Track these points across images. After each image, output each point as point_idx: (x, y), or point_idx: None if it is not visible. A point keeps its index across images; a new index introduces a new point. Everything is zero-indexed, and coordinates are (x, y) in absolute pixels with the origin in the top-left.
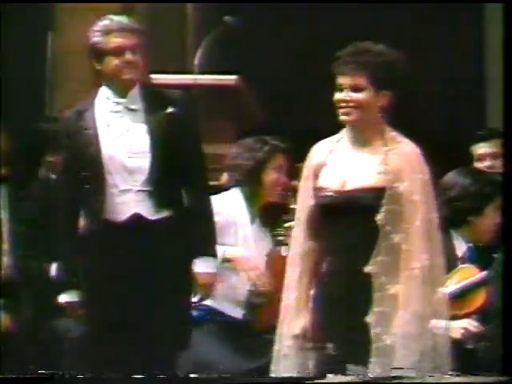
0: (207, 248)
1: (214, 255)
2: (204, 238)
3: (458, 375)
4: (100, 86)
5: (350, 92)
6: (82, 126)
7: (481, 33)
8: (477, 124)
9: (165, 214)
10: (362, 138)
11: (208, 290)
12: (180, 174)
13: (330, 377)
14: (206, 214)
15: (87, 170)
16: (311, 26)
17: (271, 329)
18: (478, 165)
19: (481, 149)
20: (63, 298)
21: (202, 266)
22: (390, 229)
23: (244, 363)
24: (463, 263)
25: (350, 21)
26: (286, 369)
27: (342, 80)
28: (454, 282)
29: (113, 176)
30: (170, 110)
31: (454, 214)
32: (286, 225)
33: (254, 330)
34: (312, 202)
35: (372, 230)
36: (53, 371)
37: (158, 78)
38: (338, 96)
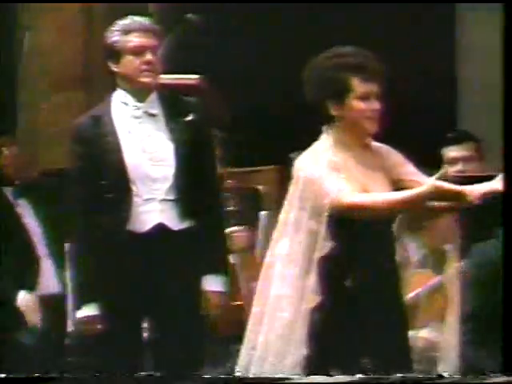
0: (217, 265)
1: (225, 272)
2: (214, 253)
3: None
4: (114, 89)
5: (375, 100)
6: (100, 133)
7: (452, 33)
8: (448, 126)
9: (189, 223)
10: (353, 146)
11: (217, 308)
12: (201, 182)
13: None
14: (217, 228)
15: (109, 179)
16: (278, 25)
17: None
18: (449, 169)
19: (452, 152)
20: (81, 313)
21: (210, 284)
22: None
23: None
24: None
25: (320, 21)
26: None
27: (368, 88)
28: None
29: (136, 185)
30: (190, 117)
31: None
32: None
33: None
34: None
35: (390, 233)
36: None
37: None
38: (365, 105)
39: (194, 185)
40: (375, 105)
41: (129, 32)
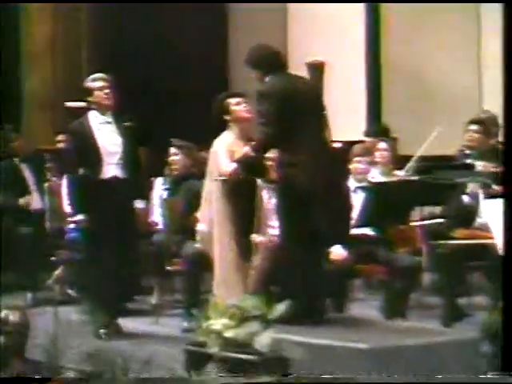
0: (140, 193)
1: (145, 198)
2: (138, 187)
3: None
4: (90, 109)
5: (246, 108)
6: (84, 130)
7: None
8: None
9: (127, 175)
10: (239, 137)
11: (140, 216)
12: (132, 155)
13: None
14: (139, 175)
15: (90, 153)
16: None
17: None
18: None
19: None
20: (76, 218)
21: (138, 204)
22: None
23: None
24: None
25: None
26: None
27: (237, 101)
28: None
29: (103, 155)
30: (127, 123)
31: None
32: None
33: None
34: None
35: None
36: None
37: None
38: (239, 109)
39: (129, 156)
40: (247, 109)
41: (95, 80)
